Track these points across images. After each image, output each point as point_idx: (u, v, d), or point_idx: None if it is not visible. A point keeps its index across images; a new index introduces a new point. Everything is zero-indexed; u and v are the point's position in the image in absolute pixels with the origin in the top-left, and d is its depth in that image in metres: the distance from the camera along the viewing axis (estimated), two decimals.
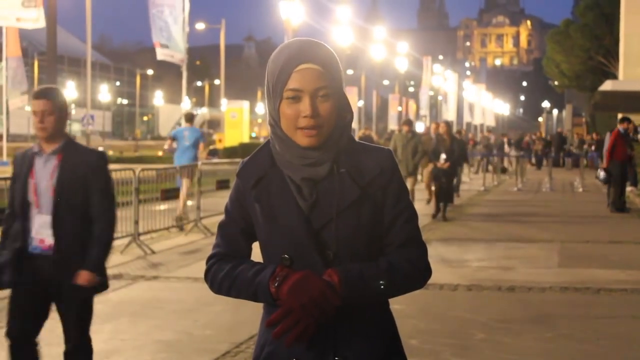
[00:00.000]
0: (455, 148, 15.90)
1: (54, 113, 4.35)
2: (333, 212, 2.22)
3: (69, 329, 4.66)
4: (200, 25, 58.01)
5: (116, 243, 11.62)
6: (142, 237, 11.63)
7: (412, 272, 2.30)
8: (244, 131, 43.00)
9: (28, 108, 48.27)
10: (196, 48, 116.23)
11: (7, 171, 27.30)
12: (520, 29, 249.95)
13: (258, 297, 2.25)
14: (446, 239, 12.68)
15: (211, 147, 52.46)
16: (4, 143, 37.60)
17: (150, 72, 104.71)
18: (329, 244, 2.23)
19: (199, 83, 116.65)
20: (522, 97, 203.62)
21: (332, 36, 37.24)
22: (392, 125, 53.98)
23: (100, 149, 4.59)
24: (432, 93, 73.80)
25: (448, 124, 16.90)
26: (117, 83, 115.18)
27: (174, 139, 15.30)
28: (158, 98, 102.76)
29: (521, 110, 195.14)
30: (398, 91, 69.49)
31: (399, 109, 62.24)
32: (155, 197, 13.23)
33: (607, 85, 24.74)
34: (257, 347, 2.35)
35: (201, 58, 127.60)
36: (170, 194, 13.90)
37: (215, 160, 33.89)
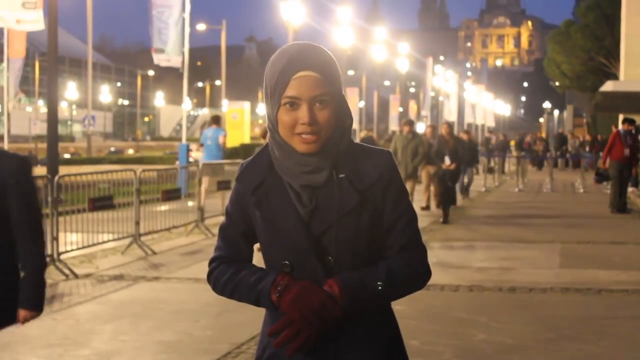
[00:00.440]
0: (458, 149, 15.67)
1: None
2: (333, 218, 2.22)
3: None
4: (201, 26, 57.97)
5: (117, 244, 11.70)
6: (143, 238, 11.63)
7: (413, 276, 2.30)
8: (245, 132, 42.99)
9: (30, 109, 48.28)
10: (197, 49, 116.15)
11: None
12: (521, 29, 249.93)
13: (260, 304, 2.27)
14: (447, 240, 12.68)
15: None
16: (5, 144, 37.61)
17: (151, 73, 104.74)
18: (329, 250, 2.22)
19: (200, 84, 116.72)
20: (523, 98, 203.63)
21: (333, 37, 37.25)
22: (393, 126, 53.94)
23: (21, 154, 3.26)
24: (432, 94, 73.79)
25: (450, 125, 16.66)
26: (118, 84, 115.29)
27: (202, 144, 16.57)
28: (159, 99, 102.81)
29: (522, 111, 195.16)
30: (399, 92, 69.49)
31: (400, 109, 62.25)
32: (156, 198, 13.23)
33: (608, 86, 24.73)
34: (259, 347, 2.36)
35: (202, 59, 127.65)
36: (171, 195, 13.90)
37: (217, 161, 33.88)
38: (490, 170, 28.16)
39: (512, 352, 6.24)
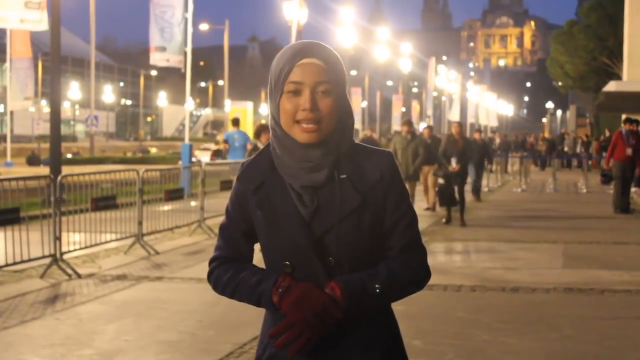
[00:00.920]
0: (467, 151, 15.07)
1: None
2: (334, 219, 2.22)
3: None
4: (203, 26, 57.99)
5: (120, 244, 11.72)
6: (145, 238, 11.64)
7: (413, 277, 2.31)
8: (247, 132, 43.08)
9: (32, 109, 48.37)
10: (200, 49, 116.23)
11: (13, 172, 27.36)
12: (524, 29, 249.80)
13: (261, 305, 2.27)
14: (450, 240, 12.67)
15: (215, 147, 52.52)
16: (8, 144, 37.64)
17: (154, 72, 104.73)
18: (330, 250, 2.22)
19: (202, 84, 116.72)
20: (526, 98, 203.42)
21: (336, 37, 37.22)
22: (396, 126, 53.93)
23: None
24: (435, 94, 73.78)
25: (460, 125, 15.70)
26: (121, 84, 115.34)
27: (226, 141, 17.40)
28: (162, 99, 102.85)
29: (525, 111, 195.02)
30: (402, 92, 69.48)
31: (403, 109, 62.24)
32: (159, 198, 13.24)
33: (611, 86, 24.68)
34: (259, 347, 2.36)
35: (205, 59, 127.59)
36: (174, 195, 13.90)
37: (219, 160, 33.94)
38: (490, 170, 28.06)
39: (514, 353, 6.24)
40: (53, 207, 9.67)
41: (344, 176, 2.24)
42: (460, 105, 70.27)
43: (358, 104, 55.97)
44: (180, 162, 25.65)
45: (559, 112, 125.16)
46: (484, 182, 24.71)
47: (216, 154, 46.94)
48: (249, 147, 16.59)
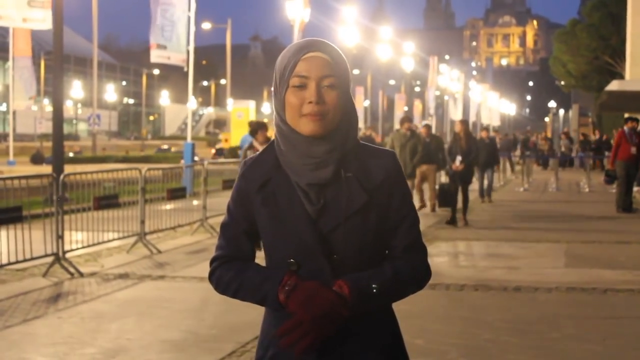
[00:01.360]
0: (472, 149, 14.57)
1: None
2: (341, 216, 2.22)
3: None
4: (206, 25, 58.05)
5: (122, 242, 11.72)
6: (148, 237, 11.64)
7: (415, 277, 2.32)
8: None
9: (35, 108, 48.39)
10: (202, 48, 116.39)
11: (15, 170, 27.37)
12: (526, 28, 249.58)
13: (266, 304, 2.26)
14: (452, 239, 12.67)
15: (217, 146, 52.54)
16: (11, 143, 37.67)
17: (156, 71, 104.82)
18: (336, 248, 2.22)
19: (205, 83, 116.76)
20: (529, 97, 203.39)
21: (338, 36, 37.20)
22: (398, 125, 53.98)
23: None
24: (438, 93, 73.74)
25: (465, 122, 15.28)
26: (124, 83, 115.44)
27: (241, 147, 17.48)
28: (164, 98, 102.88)
29: (527, 110, 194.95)
30: (404, 91, 69.46)
31: (405, 108, 62.24)
32: (161, 197, 13.25)
33: (614, 85, 24.65)
34: (260, 347, 2.34)
35: (207, 58, 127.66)
36: (177, 194, 13.92)
37: (221, 159, 33.97)
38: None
39: (517, 352, 6.23)
40: (55, 205, 9.67)
41: (350, 174, 2.25)
42: (462, 105, 70.22)
43: (361, 102, 55.99)
44: (182, 161, 25.66)
45: (561, 112, 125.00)
46: (485, 181, 24.64)
47: (218, 152, 46.97)
48: (246, 145, 16.70)
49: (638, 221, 15.56)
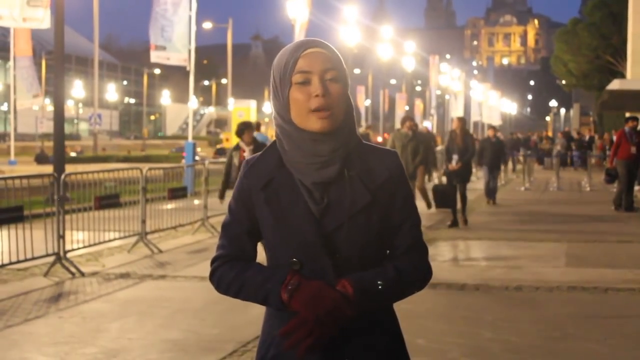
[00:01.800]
0: (469, 147, 14.16)
1: None
2: (345, 216, 2.22)
3: None
4: (207, 25, 58.03)
5: (123, 242, 11.72)
6: (149, 236, 11.65)
7: (417, 276, 2.32)
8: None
9: (36, 108, 48.40)
10: (203, 47, 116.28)
11: (16, 170, 27.38)
12: (527, 28, 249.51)
13: (268, 303, 2.25)
14: (453, 239, 12.66)
15: (218, 146, 52.53)
16: (12, 142, 37.69)
17: (157, 71, 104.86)
18: (339, 247, 2.22)
19: (206, 82, 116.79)
20: (530, 96, 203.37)
21: (340, 35, 37.20)
22: (399, 124, 53.97)
23: None
24: (439, 92, 73.74)
25: (461, 120, 14.93)
26: (125, 82, 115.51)
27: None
28: (165, 97, 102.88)
29: (528, 109, 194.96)
30: (405, 90, 69.45)
31: (406, 108, 62.21)
32: (162, 197, 13.25)
33: (615, 84, 24.65)
34: (262, 347, 2.33)
35: (208, 57, 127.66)
36: (178, 193, 13.92)
37: (223, 159, 33.93)
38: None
39: (518, 351, 6.23)
40: (57, 205, 9.68)
41: (353, 173, 2.25)
42: (464, 104, 70.21)
43: (362, 102, 55.96)
44: (183, 161, 25.67)
45: (562, 111, 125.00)
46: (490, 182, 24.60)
47: (219, 152, 46.98)
48: (232, 147, 16.54)
49: (639, 220, 15.55)
